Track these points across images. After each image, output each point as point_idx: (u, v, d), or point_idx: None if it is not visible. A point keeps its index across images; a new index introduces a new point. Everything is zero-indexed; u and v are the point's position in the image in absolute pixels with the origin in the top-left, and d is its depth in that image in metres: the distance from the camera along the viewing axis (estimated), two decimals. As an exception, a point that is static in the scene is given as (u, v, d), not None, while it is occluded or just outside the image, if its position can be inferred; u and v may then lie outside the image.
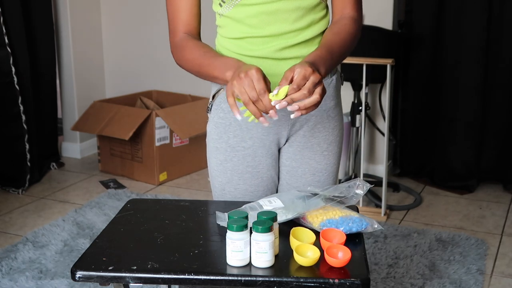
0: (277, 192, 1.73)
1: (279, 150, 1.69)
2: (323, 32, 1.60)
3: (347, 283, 1.23)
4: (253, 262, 1.28)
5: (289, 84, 1.35)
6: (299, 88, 1.33)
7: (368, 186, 1.47)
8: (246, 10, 1.53)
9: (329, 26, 1.59)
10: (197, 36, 1.62)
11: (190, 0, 1.58)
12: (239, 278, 1.25)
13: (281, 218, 1.43)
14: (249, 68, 1.36)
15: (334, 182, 1.71)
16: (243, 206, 1.46)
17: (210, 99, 1.67)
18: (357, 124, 3.39)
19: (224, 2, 1.55)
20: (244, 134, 1.62)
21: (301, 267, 1.28)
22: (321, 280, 1.23)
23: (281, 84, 1.36)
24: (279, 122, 1.61)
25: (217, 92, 1.64)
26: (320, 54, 1.46)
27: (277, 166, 1.70)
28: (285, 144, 1.67)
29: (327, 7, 1.62)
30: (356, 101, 3.38)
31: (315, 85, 1.34)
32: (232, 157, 1.64)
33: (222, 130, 1.63)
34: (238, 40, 1.57)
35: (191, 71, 1.57)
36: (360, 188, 1.47)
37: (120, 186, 3.72)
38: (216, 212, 1.49)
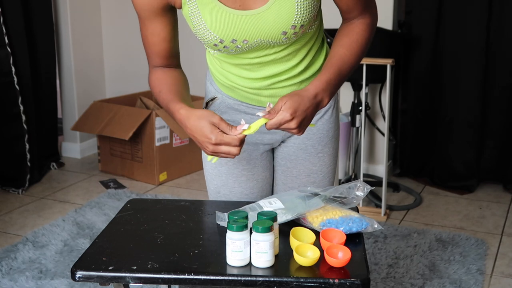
0: (272, 192, 1.73)
1: (273, 150, 1.69)
2: (317, 50, 1.54)
3: (347, 283, 1.23)
4: (253, 262, 1.28)
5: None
6: (271, 129, 1.35)
7: (369, 188, 1.47)
8: (238, 59, 1.49)
9: (341, 31, 1.50)
10: (175, 67, 1.56)
11: (165, 47, 1.52)
12: (239, 278, 1.25)
13: (281, 218, 1.43)
14: (205, 135, 1.34)
15: (330, 183, 1.70)
16: (243, 207, 1.46)
17: (204, 106, 1.66)
18: (357, 124, 3.39)
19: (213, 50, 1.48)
20: None
21: (301, 267, 1.28)
22: (321, 280, 1.23)
23: (267, 112, 1.36)
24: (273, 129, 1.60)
25: (210, 100, 1.63)
26: (329, 80, 1.41)
27: (271, 167, 1.70)
28: (279, 144, 1.67)
29: (320, 22, 1.54)
30: (356, 101, 3.38)
31: (288, 129, 1.36)
32: (227, 161, 1.64)
33: None
34: (231, 74, 1.54)
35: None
36: (360, 190, 1.47)
37: (120, 186, 3.72)
38: (216, 212, 1.49)
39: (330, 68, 1.43)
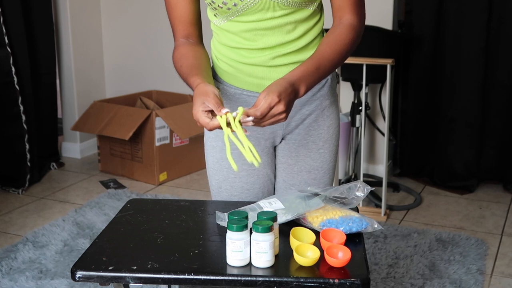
0: (274, 189, 1.74)
1: (275, 148, 1.71)
2: (317, 36, 1.60)
3: (347, 283, 1.23)
4: (253, 262, 1.28)
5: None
6: (262, 116, 1.36)
7: (369, 188, 1.47)
8: (240, 25, 1.54)
9: (328, 32, 1.57)
10: (196, 39, 1.62)
11: (186, 9, 1.58)
12: (239, 278, 1.25)
13: (281, 218, 1.43)
14: (194, 108, 1.47)
15: (330, 179, 1.72)
16: (243, 207, 1.46)
17: None
18: (357, 124, 3.39)
19: (219, 14, 1.56)
20: None
21: (301, 267, 1.28)
22: (321, 280, 1.23)
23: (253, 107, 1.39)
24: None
25: None
26: (306, 70, 1.46)
27: (273, 164, 1.71)
28: (281, 142, 1.69)
29: (321, 9, 1.61)
30: (356, 101, 3.38)
31: (277, 113, 1.38)
32: None
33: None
34: (233, 49, 1.59)
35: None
36: (360, 191, 1.47)
37: (120, 186, 3.72)
38: (216, 212, 1.49)
39: (309, 60, 1.49)
